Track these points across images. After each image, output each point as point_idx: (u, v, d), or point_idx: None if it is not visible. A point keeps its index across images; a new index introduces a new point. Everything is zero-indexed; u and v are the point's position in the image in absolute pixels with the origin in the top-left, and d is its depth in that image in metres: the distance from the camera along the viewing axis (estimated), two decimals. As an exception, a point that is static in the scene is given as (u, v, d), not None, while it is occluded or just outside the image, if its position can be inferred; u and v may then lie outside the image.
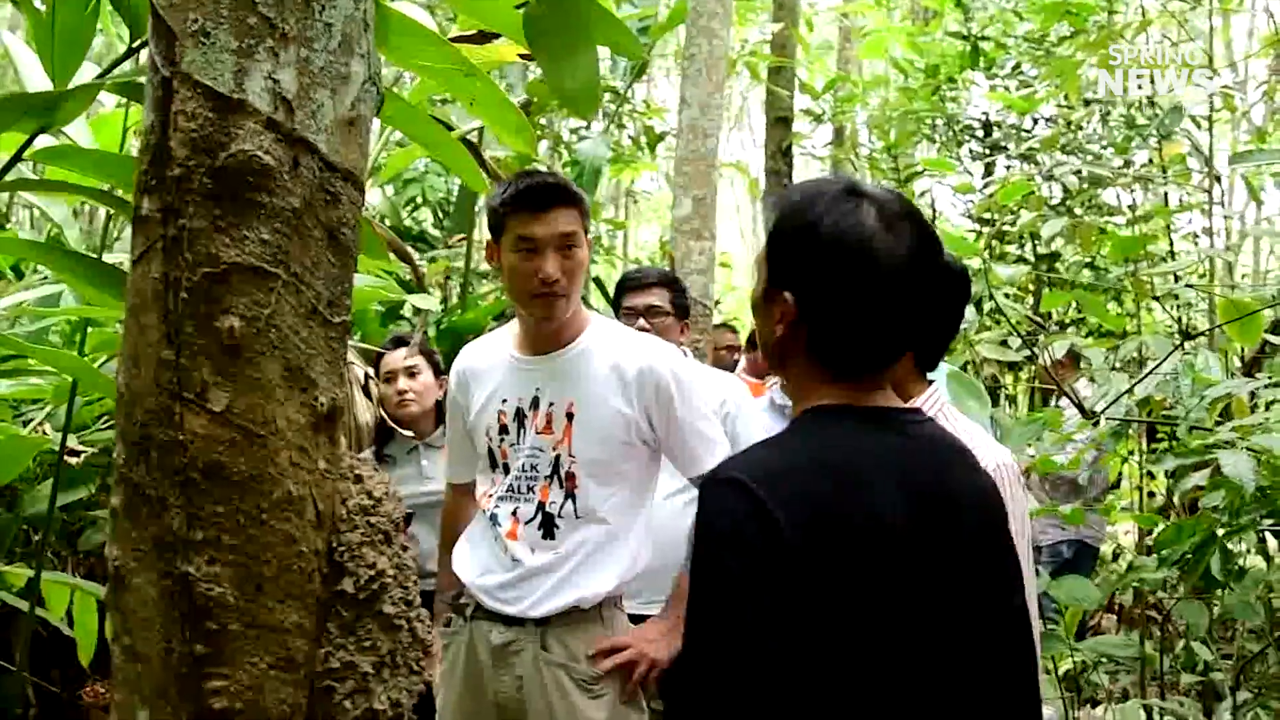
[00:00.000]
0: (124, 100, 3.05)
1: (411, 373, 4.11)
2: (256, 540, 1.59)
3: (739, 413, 3.84)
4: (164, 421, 1.57)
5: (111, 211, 3.03)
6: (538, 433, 2.91)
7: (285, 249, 1.58)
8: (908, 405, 1.78)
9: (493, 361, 3.04)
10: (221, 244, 1.55)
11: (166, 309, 1.57)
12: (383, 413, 4.18)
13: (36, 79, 2.56)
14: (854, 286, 1.59)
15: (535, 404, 2.93)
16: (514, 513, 2.93)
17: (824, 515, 1.52)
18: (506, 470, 2.96)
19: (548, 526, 2.90)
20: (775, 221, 1.68)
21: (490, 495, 2.99)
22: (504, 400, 2.97)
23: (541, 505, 2.90)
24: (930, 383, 2.54)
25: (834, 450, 1.60)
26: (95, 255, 2.89)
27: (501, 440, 2.96)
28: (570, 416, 2.89)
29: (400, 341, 4.20)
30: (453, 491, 3.26)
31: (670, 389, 2.91)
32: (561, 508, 2.89)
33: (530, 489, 2.92)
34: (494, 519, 2.96)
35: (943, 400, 2.54)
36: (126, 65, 2.52)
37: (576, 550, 2.88)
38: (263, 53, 1.58)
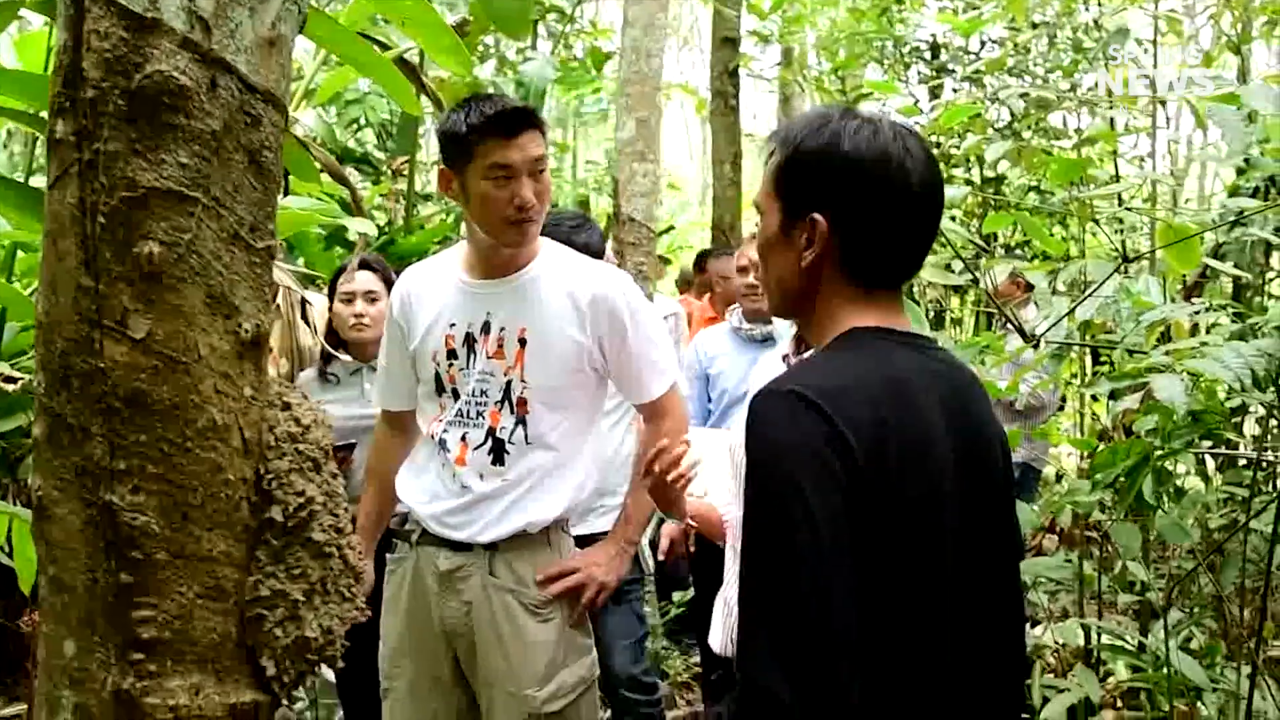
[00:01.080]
0: (50, 19, 2.97)
1: (371, 298, 4.07)
2: (181, 469, 1.57)
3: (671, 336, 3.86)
4: (84, 350, 1.55)
5: (37, 134, 2.96)
6: (489, 357, 2.88)
7: (205, 173, 1.55)
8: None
9: (439, 285, 3.00)
10: (139, 167, 1.52)
11: (84, 234, 1.54)
12: (321, 339, 4.15)
13: (-48, -4, 2.48)
14: (887, 193, 1.64)
15: (486, 328, 2.89)
16: (463, 438, 2.91)
17: (886, 435, 1.54)
18: (455, 395, 2.93)
19: (497, 452, 2.88)
20: (784, 155, 1.70)
21: (439, 420, 2.96)
22: (452, 324, 2.93)
23: (492, 430, 2.88)
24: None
25: (886, 369, 1.63)
26: (21, 179, 2.83)
27: (450, 365, 2.93)
28: (523, 342, 2.86)
29: (366, 265, 4.16)
30: (384, 419, 3.23)
31: (623, 317, 2.90)
32: (512, 433, 2.88)
33: (480, 414, 2.90)
34: (442, 444, 2.93)
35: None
36: (49, -18, 2.44)
37: (525, 477, 2.88)
38: (178, -31, 1.53)
